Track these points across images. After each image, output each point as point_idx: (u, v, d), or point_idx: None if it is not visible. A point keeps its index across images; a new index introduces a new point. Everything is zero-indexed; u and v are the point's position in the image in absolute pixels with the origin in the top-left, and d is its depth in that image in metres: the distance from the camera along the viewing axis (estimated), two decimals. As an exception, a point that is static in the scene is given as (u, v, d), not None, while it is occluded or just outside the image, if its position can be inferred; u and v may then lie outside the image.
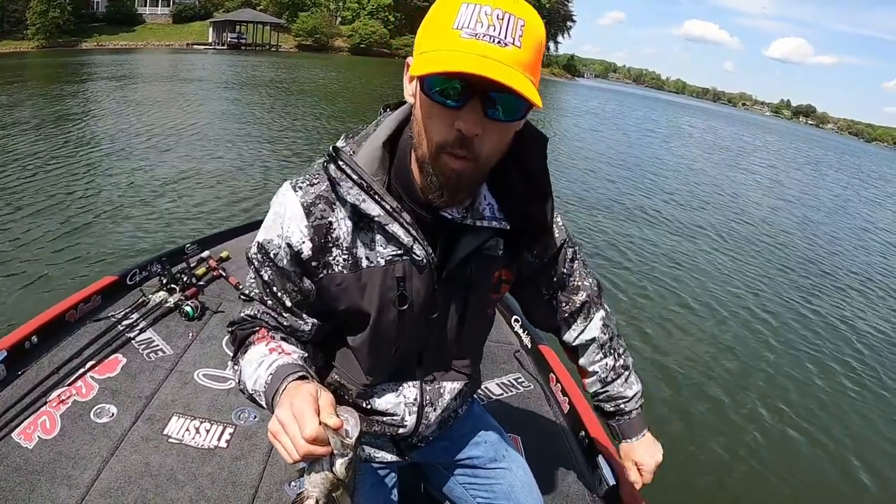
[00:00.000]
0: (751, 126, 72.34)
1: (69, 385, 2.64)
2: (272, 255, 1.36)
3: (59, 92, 16.52)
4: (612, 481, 2.38)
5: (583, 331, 1.76)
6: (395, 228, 1.28)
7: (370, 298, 1.38)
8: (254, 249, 1.42)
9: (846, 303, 8.88)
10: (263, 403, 1.25)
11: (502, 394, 3.09)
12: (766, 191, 19.15)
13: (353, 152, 1.32)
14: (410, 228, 1.29)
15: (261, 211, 7.92)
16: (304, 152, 12.31)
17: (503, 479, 1.89)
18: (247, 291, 1.47)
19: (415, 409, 1.59)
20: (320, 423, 1.02)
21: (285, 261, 1.36)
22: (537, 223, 1.43)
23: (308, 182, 1.35)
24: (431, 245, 1.34)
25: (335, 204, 1.33)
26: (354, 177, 1.26)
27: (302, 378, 1.20)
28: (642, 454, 1.76)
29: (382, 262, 1.34)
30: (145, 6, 64.14)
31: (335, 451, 1.05)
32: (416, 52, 1.13)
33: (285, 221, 1.33)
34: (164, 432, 2.48)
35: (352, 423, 1.10)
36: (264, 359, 1.27)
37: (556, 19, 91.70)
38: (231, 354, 1.47)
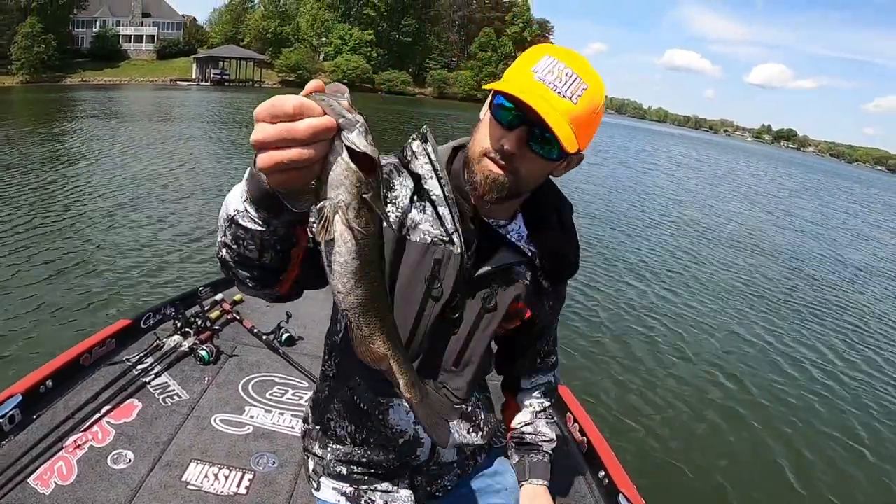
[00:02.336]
0: (737, 152, 73.22)
1: (85, 430, 2.65)
2: None
3: (51, 129, 16.57)
4: None
5: (538, 378, 1.96)
6: (444, 212, 1.47)
7: (403, 266, 1.51)
8: None
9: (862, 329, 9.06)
10: (249, 217, 1.05)
11: (502, 445, 3.09)
12: (774, 220, 19.47)
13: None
14: (457, 219, 1.47)
15: None
16: None
17: None
18: None
19: None
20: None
21: None
22: (565, 263, 1.64)
23: (384, 156, 1.53)
24: (468, 245, 1.50)
25: (402, 173, 1.53)
26: (432, 156, 1.48)
27: None
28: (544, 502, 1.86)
29: (428, 239, 1.49)
30: (130, 42, 64.82)
31: (341, 122, 0.84)
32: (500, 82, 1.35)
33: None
34: (183, 479, 2.50)
35: (339, 89, 0.88)
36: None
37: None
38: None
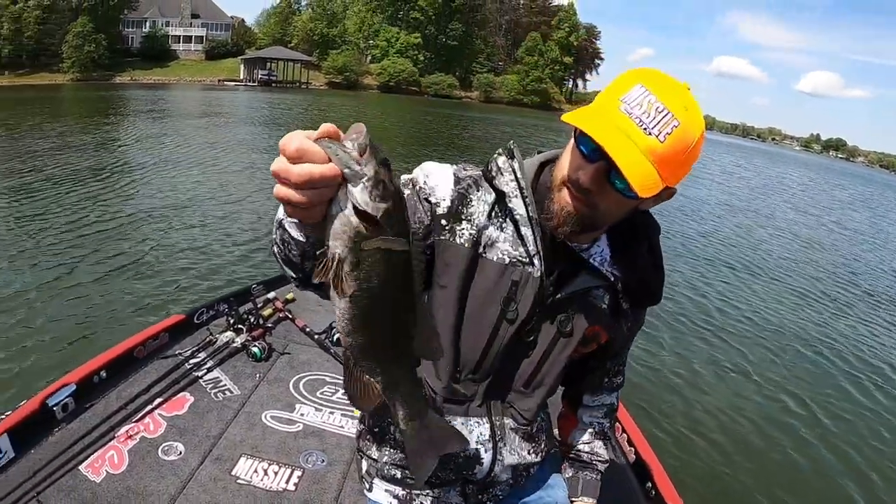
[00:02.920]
0: (786, 162, 71.74)
1: (137, 421, 2.70)
2: (417, 187, 1.46)
3: (104, 127, 16.86)
4: None
5: (603, 397, 1.86)
6: (526, 232, 1.41)
7: (477, 286, 1.48)
8: (404, 177, 1.48)
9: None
10: (292, 227, 1.05)
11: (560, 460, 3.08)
12: (828, 232, 18.89)
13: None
14: (538, 239, 1.41)
15: None
16: None
17: None
18: None
19: (490, 445, 1.63)
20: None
21: (422, 198, 1.45)
22: (648, 289, 1.56)
23: (463, 166, 1.52)
24: (548, 271, 1.44)
25: (482, 188, 1.47)
26: (518, 174, 1.42)
27: None
28: None
29: (507, 259, 1.45)
30: (179, 43, 65.97)
31: (346, 173, 0.79)
32: (589, 107, 1.29)
33: (435, 175, 1.47)
34: (233, 473, 2.53)
35: (355, 134, 0.81)
36: None
37: (584, 57, 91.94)
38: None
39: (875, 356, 8.03)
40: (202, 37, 67.35)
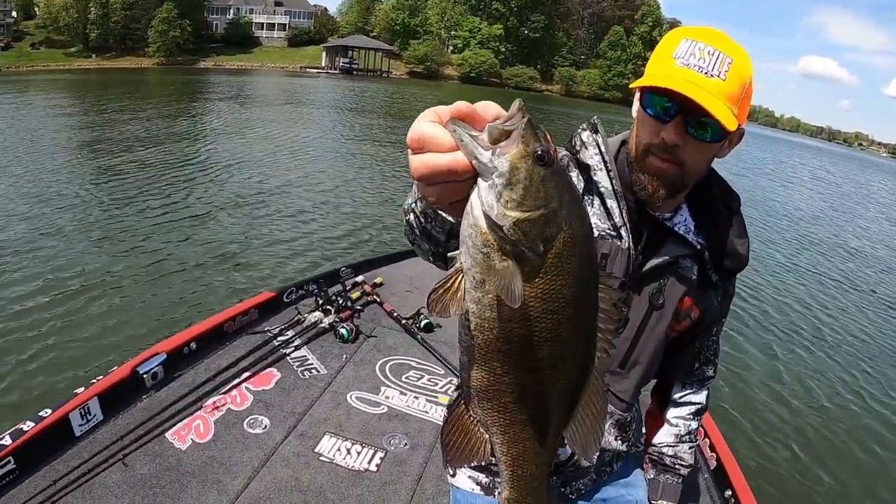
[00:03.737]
0: (875, 169, 68.77)
1: (224, 393, 2.77)
2: None
3: (190, 111, 17.29)
4: None
5: (692, 394, 1.82)
6: (612, 205, 1.44)
7: None
8: None
9: None
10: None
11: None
12: None
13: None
14: (624, 212, 1.43)
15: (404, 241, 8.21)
16: None
17: None
18: None
19: None
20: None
21: None
22: (735, 255, 1.53)
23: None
24: (635, 239, 1.45)
25: (571, 166, 1.49)
26: (602, 147, 1.45)
27: None
28: None
29: (595, 233, 1.43)
30: (262, 29, 67.37)
31: (475, 165, 0.59)
32: (645, 75, 1.33)
33: None
34: (316, 450, 2.57)
35: (508, 113, 0.62)
36: None
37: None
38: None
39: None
40: (285, 24, 68.64)
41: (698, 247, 1.49)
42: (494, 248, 0.59)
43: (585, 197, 1.47)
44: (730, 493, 2.69)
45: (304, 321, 3.39)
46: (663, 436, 1.83)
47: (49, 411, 2.22)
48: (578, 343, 0.68)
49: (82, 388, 2.40)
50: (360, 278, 4.04)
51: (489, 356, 0.67)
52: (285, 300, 3.60)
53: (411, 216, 1.07)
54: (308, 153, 13.13)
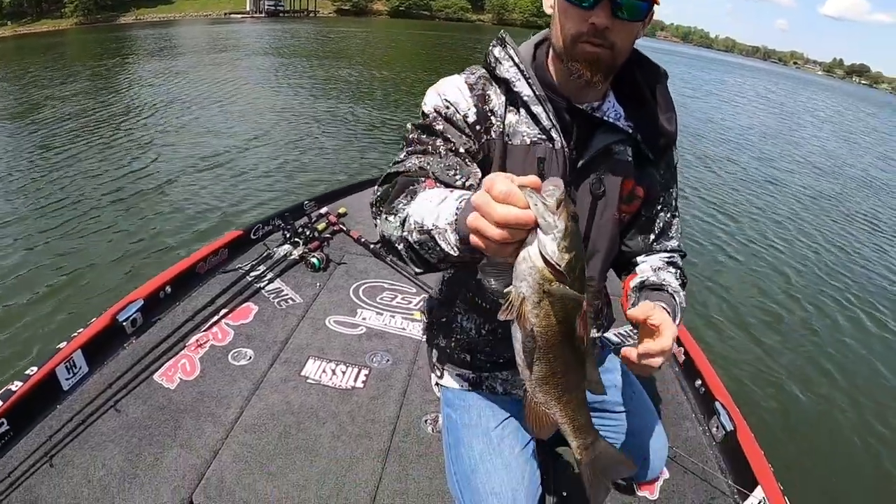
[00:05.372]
0: (813, 87, 69.31)
1: (205, 331, 2.81)
2: (444, 115, 1.54)
3: (126, 70, 16.60)
4: (729, 427, 2.47)
5: (660, 250, 1.79)
6: (538, 110, 1.49)
7: (510, 173, 1.52)
8: (423, 114, 1.57)
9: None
10: (445, 241, 1.08)
11: (620, 343, 3.13)
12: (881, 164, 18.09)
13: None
14: (551, 114, 1.48)
15: (366, 170, 8.29)
16: (383, 120, 12.17)
17: (632, 422, 2.00)
18: (405, 151, 1.52)
19: None
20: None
21: (457, 119, 1.53)
22: (664, 131, 1.58)
23: (469, 71, 1.61)
24: (567, 137, 1.51)
25: (492, 82, 1.56)
26: (515, 58, 1.51)
27: None
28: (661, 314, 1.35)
29: (528, 140, 1.52)
30: (183, -23, 64.44)
31: (540, 222, 0.85)
32: None
33: (450, 92, 1.55)
34: (302, 374, 2.63)
35: (552, 189, 0.87)
36: (449, 195, 1.14)
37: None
38: (385, 207, 1.34)
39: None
40: (204, -30, 66.02)
41: (630, 131, 1.53)
42: (548, 279, 0.87)
43: (510, 108, 1.53)
44: (699, 382, 2.79)
45: (273, 255, 3.41)
46: (638, 275, 1.71)
47: (35, 369, 2.23)
48: (585, 329, 1.00)
49: (65, 343, 2.41)
50: (323, 210, 4.08)
51: (547, 352, 0.99)
52: (253, 237, 3.63)
53: (401, 245, 1.24)
54: (253, 98, 12.83)
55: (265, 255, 3.44)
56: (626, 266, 1.82)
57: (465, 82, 1.56)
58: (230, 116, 10.90)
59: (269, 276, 3.32)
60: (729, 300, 6.15)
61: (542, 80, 1.52)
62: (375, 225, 1.37)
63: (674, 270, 1.70)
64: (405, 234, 1.22)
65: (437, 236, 1.10)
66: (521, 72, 1.50)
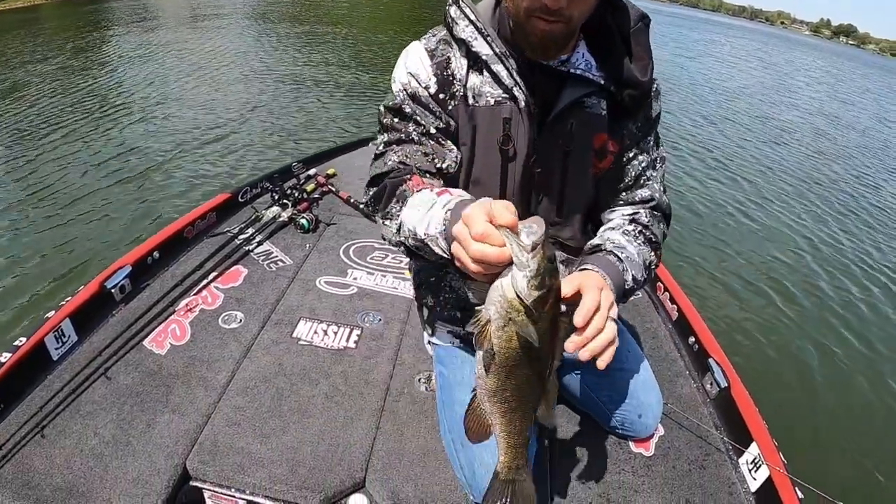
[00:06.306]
0: (802, 48, 68.80)
1: (195, 295, 2.77)
2: (409, 92, 1.50)
3: (101, 42, 16.19)
4: (724, 383, 2.47)
5: (622, 208, 1.70)
6: (499, 69, 1.43)
7: (478, 136, 1.50)
8: (391, 95, 1.54)
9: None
10: (439, 247, 1.18)
11: None
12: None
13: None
14: (513, 72, 1.42)
15: (355, 132, 8.18)
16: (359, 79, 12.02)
17: (627, 380, 1.99)
18: (383, 141, 1.55)
19: None
20: (494, 225, 0.92)
21: (421, 95, 1.49)
22: (636, 81, 1.47)
23: (431, 33, 1.55)
24: (533, 95, 1.45)
25: (452, 44, 1.50)
26: (471, 16, 1.44)
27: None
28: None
29: (492, 101, 1.47)
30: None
31: (514, 261, 0.92)
32: None
33: (412, 63, 1.52)
34: (293, 335, 2.60)
35: (530, 227, 0.93)
36: (435, 201, 1.23)
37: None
38: (381, 212, 1.44)
39: None
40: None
41: (603, 82, 1.45)
42: (516, 309, 0.94)
43: (473, 69, 1.47)
44: (693, 339, 2.78)
45: (262, 217, 3.37)
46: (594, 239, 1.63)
47: (24, 339, 2.20)
48: (548, 357, 1.09)
49: (53, 312, 2.37)
50: (312, 171, 4.03)
51: (501, 369, 1.05)
52: (241, 200, 3.58)
53: (402, 247, 1.40)
54: (238, 64, 12.47)
55: (254, 217, 3.39)
56: (596, 221, 1.77)
57: (425, 49, 1.52)
58: (215, 83, 10.70)
59: (258, 238, 3.28)
60: (724, 258, 6.16)
61: (504, 35, 1.46)
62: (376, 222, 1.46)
63: (632, 228, 1.62)
64: (402, 238, 1.34)
65: (430, 243, 1.20)
66: (479, 30, 1.44)
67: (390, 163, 1.47)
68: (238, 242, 3.18)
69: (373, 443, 2.09)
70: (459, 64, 1.49)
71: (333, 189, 3.83)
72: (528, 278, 0.92)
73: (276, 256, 3.18)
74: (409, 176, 1.40)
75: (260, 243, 3.25)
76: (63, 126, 7.63)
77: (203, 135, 7.73)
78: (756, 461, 2.15)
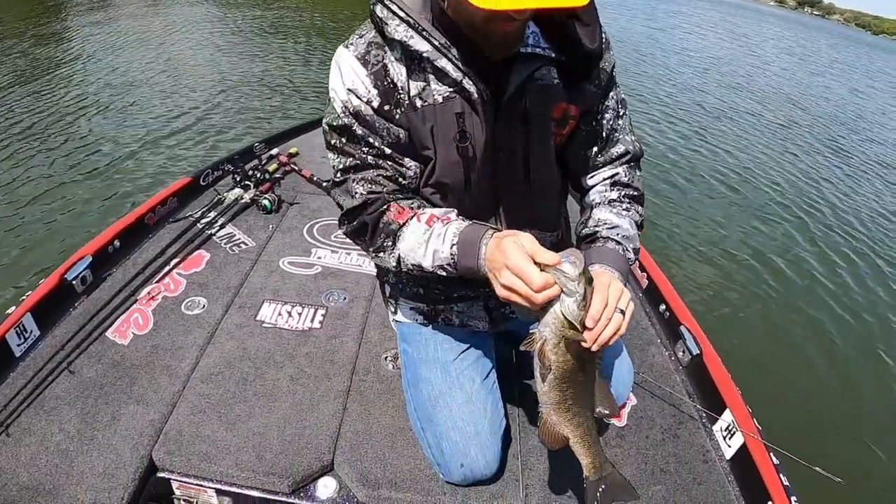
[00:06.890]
0: (771, 19, 69.20)
1: (157, 282, 2.74)
2: (352, 111, 1.43)
3: (60, 26, 15.92)
4: (695, 350, 2.47)
5: (602, 171, 1.69)
6: (443, 63, 1.36)
7: (434, 137, 1.45)
8: (334, 114, 1.46)
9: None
10: (446, 273, 1.39)
11: None
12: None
13: None
14: (459, 63, 1.35)
15: (317, 111, 8.03)
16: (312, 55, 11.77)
17: None
18: (339, 167, 1.50)
19: None
20: (541, 268, 1.14)
21: (365, 113, 1.42)
22: (588, 51, 1.43)
23: (357, 35, 1.45)
24: (483, 81, 1.38)
25: (385, 47, 1.41)
26: (402, 14, 1.34)
27: (490, 232, 1.32)
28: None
29: (440, 99, 1.41)
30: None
31: (564, 291, 1.15)
32: None
33: (347, 78, 1.42)
34: (257, 318, 2.58)
35: (572, 260, 1.15)
36: (430, 234, 1.38)
37: None
38: (371, 247, 1.52)
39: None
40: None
41: (553, 55, 1.40)
42: (567, 327, 1.18)
43: (414, 70, 1.40)
44: (664, 307, 2.78)
45: (224, 200, 3.33)
46: (582, 221, 1.68)
47: None
48: (593, 366, 1.34)
49: (13, 307, 2.32)
50: (274, 151, 3.97)
51: (559, 380, 1.28)
52: (202, 183, 3.52)
53: (396, 268, 1.53)
54: (196, 46, 12.30)
55: (216, 200, 3.34)
56: (578, 187, 1.75)
57: (356, 57, 1.42)
58: (181, 68, 10.50)
59: (221, 221, 3.23)
60: (696, 227, 6.19)
61: (443, 24, 1.37)
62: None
63: (615, 195, 1.64)
64: (403, 268, 1.49)
65: (436, 270, 1.39)
66: (413, 26, 1.34)
67: (359, 196, 1.46)
68: (200, 227, 3.13)
69: (340, 424, 2.08)
70: (397, 70, 1.41)
71: (296, 168, 3.78)
72: (577, 302, 1.16)
73: (239, 239, 3.14)
74: (384, 206, 1.44)
75: (222, 226, 3.21)
76: (23, 118, 7.46)
77: (171, 122, 7.57)
78: (730, 428, 2.15)
